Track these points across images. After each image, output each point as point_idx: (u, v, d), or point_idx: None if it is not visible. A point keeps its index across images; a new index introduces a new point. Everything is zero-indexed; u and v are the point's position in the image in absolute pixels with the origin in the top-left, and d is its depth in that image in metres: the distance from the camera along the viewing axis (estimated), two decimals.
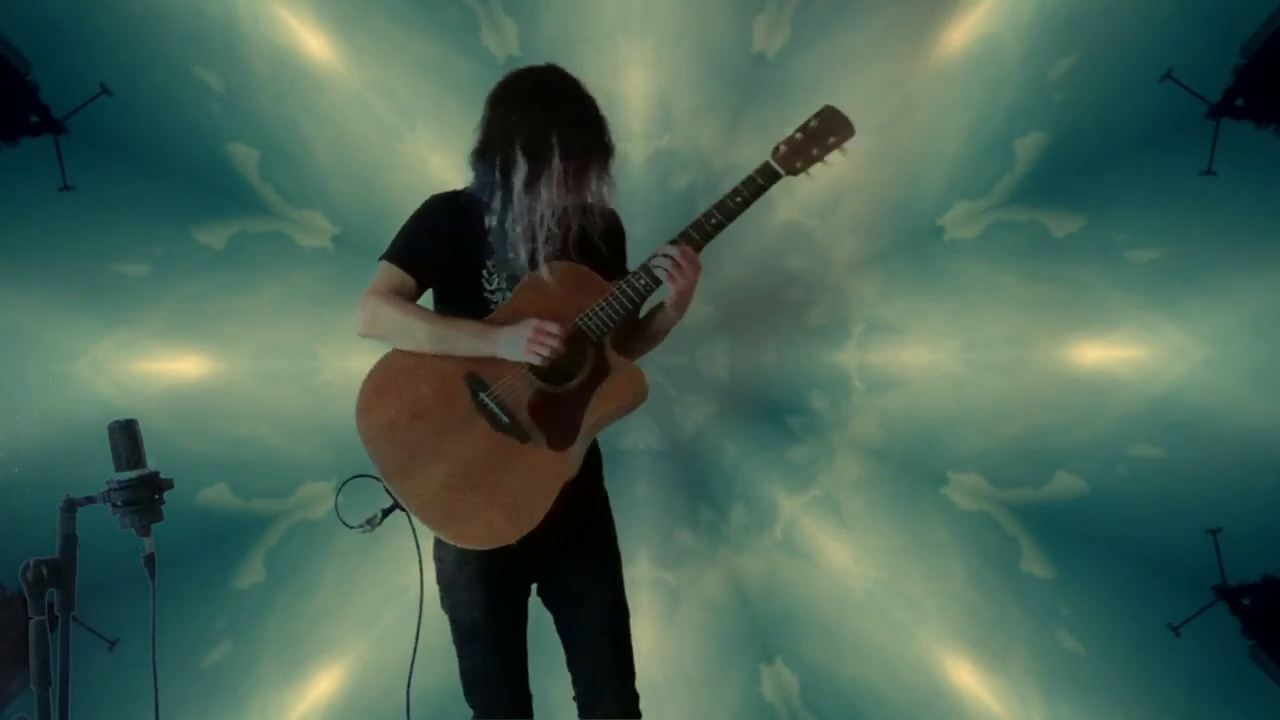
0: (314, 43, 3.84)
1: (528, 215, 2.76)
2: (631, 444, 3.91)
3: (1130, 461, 3.84)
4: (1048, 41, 3.74)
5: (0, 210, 3.76)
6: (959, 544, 3.97)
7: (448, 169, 3.77)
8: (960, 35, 3.78)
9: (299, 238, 3.93)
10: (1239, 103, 3.71)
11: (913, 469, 3.99)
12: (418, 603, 2.93)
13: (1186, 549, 3.80)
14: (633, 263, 2.94)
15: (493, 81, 2.78)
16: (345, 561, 3.97)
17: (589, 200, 2.82)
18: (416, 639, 2.92)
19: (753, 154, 3.83)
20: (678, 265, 2.78)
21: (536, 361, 2.78)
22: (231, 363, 3.93)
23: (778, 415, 4.02)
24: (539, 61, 2.86)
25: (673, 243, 2.80)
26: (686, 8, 3.80)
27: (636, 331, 2.97)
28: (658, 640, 3.96)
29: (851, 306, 3.96)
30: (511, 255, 2.81)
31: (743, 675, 4.02)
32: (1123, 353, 3.84)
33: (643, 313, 2.91)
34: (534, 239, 2.77)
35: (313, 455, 3.94)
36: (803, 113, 3.76)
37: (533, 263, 2.80)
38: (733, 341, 3.93)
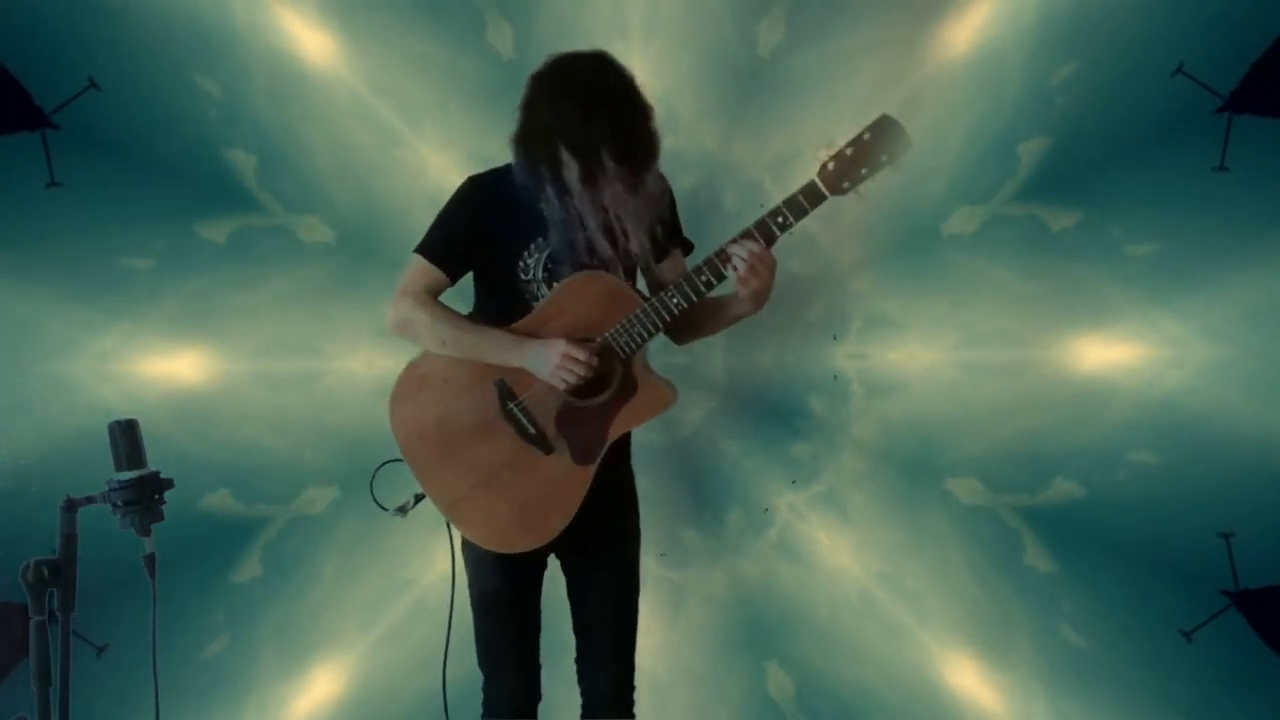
0: (312, 45, 3.82)
1: (598, 214, 2.75)
2: (637, 439, 3.99)
3: (1129, 467, 3.83)
4: (1050, 46, 3.71)
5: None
6: (960, 538, 3.96)
7: (449, 172, 3.78)
8: (962, 39, 3.77)
9: (302, 234, 3.92)
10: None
11: (910, 473, 3.99)
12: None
13: (1186, 555, 3.79)
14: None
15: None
16: (344, 556, 3.98)
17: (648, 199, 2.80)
18: (450, 614, 3.05)
19: (755, 153, 3.89)
20: (752, 268, 2.74)
21: (562, 387, 2.81)
22: (234, 362, 3.91)
23: (777, 412, 4.01)
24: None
25: (739, 239, 2.75)
26: (690, 9, 3.79)
27: (708, 315, 2.96)
28: (663, 639, 3.98)
29: (850, 302, 3.95)
30: (569, 249, 2.80)
31: (747, 672, 4.03)
32: (1120, 350, 3.83)
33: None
34: (615, 234, 2.77)
35: (315, 459, 3.94)
36: (803, 112, 3.77)
37: (624, 258, 2.82)
38: (731, 342, 3.93)
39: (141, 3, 3.70)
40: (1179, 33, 3.67)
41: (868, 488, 3.99)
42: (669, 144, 3.69)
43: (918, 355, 3.93)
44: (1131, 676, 3.81)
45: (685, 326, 2.96)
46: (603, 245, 2.79)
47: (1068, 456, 3.86)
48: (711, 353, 3.92)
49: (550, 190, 2.74)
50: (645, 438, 3.96)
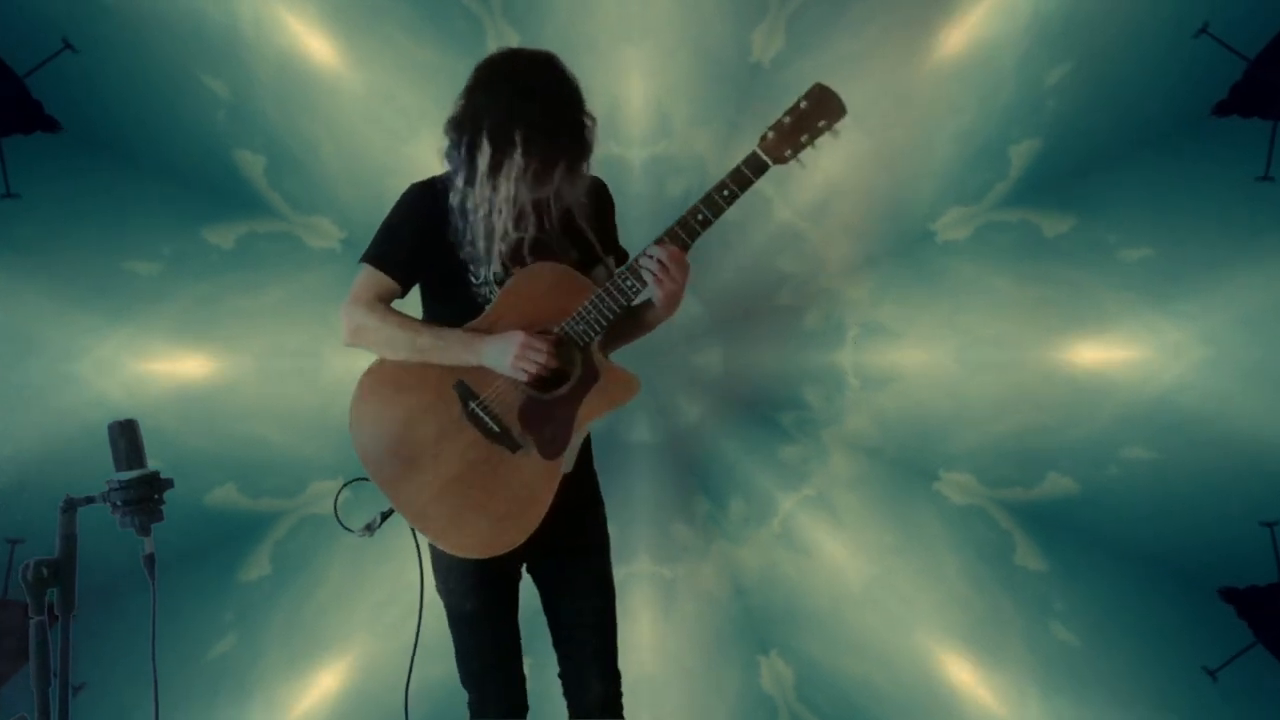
0: (317, 45, 3.85)
1: (487, 205, 2.69)
2: (625, 437, 3.94)
3: (1122, 463, 3.86)
4: (1043, 48, 3.74)
5: (6, 206, 3.78)
6: (952, 539, 3.98)
7: None
8: (956, 40, 3.79)
9: (307, 239, 3.95)
10: None
11: (905, 466, 4.01)
12: (418, 599, 2.98)
13: (1176, 551, 3.83)
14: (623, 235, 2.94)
15: None
16: (351, 557, 4.00)
17: (552, 196, 2.72)
18: (417, 635, 2.96)
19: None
20: (664, 268, 2.71)
21: (523, 378, 2.76)
22: (236, 362, 3.95)
23: (772, 412, 4.04)
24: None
25: (658, 243, 2.73)
26: (685, 16, 3.81)
27: (625, 322, 2.89)
28: (655, 634, 3.99)
29: (845, 310, 3.96)
30: (470, 244, 2.76)
31: (740, 667, 4.05)
32: (1117, 352, 3.85)
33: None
34: (491, 233, 2.72)
35: (319, 453, 3.95)
36: None
37: (489, 256, 2.76)
38: (726, 340, 3.93)
39: (155, 13, 3.74)
40: (1172, 33, 3.71)
41: (859, 488, 4.01)
42: (661, 148, 3.74)
43: (915, 358, 3.95)
44: (1124, 673, 3.85)
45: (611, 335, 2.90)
46: (479, 243, 2.75)
47: (1061, 452, 3.89)
48: (708, 352, 3.94)
49: (459, 177, 2.71)
50: (636, 435, 3.98)
